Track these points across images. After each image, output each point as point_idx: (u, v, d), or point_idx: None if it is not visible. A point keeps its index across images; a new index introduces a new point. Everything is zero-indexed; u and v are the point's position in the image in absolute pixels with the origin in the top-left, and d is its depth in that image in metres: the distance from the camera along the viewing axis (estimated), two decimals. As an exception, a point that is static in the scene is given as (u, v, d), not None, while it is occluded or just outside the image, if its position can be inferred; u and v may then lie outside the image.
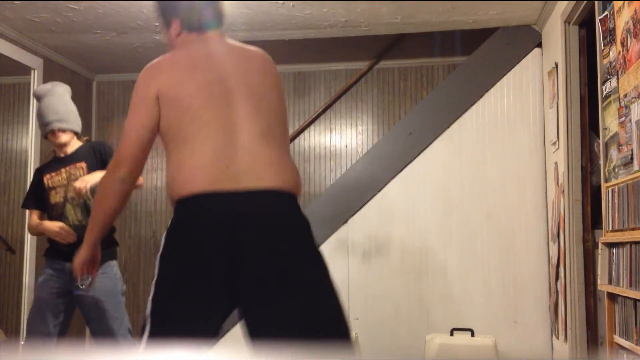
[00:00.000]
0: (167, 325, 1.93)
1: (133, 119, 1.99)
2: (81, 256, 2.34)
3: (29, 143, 4.62)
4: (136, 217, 5.50)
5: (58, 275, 3.33)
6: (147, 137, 1.99)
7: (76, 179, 3.28)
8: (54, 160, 3.50)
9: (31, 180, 3.67)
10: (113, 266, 3.40)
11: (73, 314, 3.44)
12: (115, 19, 4.17)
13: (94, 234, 2.24)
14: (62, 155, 3.46)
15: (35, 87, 4.62)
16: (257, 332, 1.93)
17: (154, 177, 5.50)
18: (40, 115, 3.42)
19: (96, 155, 3.42)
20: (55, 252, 3.37)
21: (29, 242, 4.49)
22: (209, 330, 1.94)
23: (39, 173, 3.49)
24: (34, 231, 3.49)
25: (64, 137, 3.41)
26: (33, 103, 4.62)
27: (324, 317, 1.91)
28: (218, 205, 1.87)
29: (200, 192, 1.87)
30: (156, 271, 1.94)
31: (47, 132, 3.40)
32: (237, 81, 2.01)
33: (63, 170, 3.39)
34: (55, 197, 3.38)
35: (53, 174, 3.42)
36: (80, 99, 5.36)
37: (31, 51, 4.60)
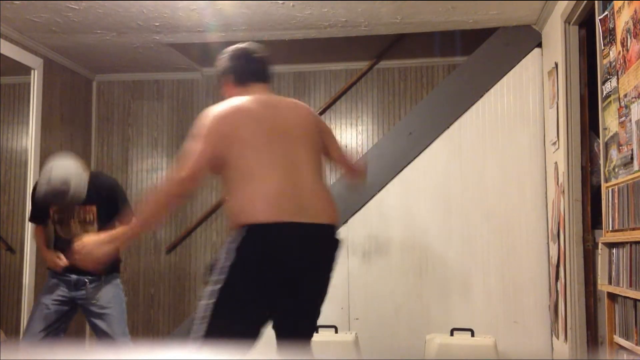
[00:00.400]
0: (228, 327, 2.22)
1: (203, 147, 2.33)
2: (104, 251, 2.37)
3: (29, 143, 4.62)
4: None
5: (64, 285, 3.39)
6: (207, 165, 2.34)
7: (87, 223, 3.31)
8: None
9: (33, 196, 3.54)
10: (117, 278, 3.49)
11: (70, 322, 3.50)
12: (115, 19, 4.17)
13: (131, 237, 2.43)
14: None
15: (35, 87, 4.62)
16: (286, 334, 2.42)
17: (154, 177, 5.50)
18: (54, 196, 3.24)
19: (104, 196, 3.36)
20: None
21: (29, 242, 4.49)
22: (258, 334, 2.31)
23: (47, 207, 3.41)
24: (36, 244, 3.54)
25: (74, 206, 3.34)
26: (33, 103, 4.63)
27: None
28: (290, 233, 2.27)
29: (275, 222, 2.26)
30: (222, 277, 2.23)
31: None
32: (292, 125, 2.42)
33: (73, 209, 3.33)
34: (61, 232, 3.40)
35: (59, 208, 3.36)
36: (80, 99, 5.36)
37: (31, 51, 4.59)
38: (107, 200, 3.36)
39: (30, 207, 3.61)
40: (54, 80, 4.88)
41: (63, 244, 3.31)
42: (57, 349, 3.31)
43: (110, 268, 3.35)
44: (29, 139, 4.62)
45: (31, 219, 3.61)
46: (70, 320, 3.48)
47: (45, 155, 4.70)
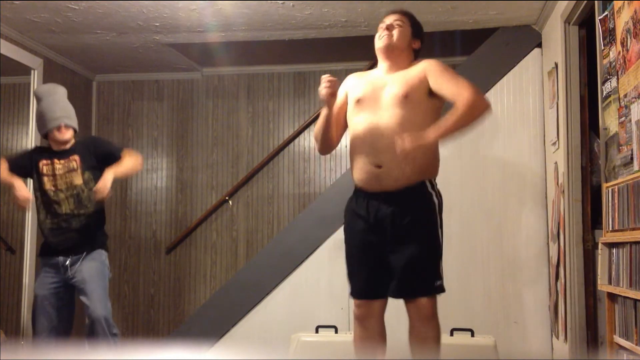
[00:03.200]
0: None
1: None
2: (420, 139, 2.52)
3: (29, 143, 4.62)
4: (136, 217, 5.50)
5: (54, 271, 3.48)
6: None
7: (70, 171, 3.48)
8: (49, 151, 3.60)
9: (23, 151, 3.85)
10: (102, 254, 3.55)
11: (75, 306, 3.57)
12: (115, 19, 4.17)
13: (444, 133, 2.60)
14: (56, 149, 3.58)
15: (35, 87, 4.62)
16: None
17: (154, 177, 5.50)
18: (45, 112, 3.51)
19: (90, 149, 3.58)
20: (48, 249, 3.52)
21: (29, 242, 4.49)
22: None
23: (35, 153, 3.63)
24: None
25: (68, 134, 3.55)
26: (33, 103, 4.62)
27: None
28: None
29: None
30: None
31: (54, 127, 3.49)
32: None
33: (57, 161, 3.51)
34: (48, 184, 3.50)
35: (48, 161, 3.53)
36: (80, 99, 5.36)
37: (31, 51, 4.59)
38: (89, 152, 3.56)
39: (16, 157, 3.71)
40: (54, 80, 4.87)
41: (45, 197, 3.48)
42: (57, 349, 3.31)
43: (93, 245, 3.50)
44: (29, 139, 4.62)
45: (12, 168, 3.57)
46: (73, 302, 3.55)
47: (45, 155, 4.71)
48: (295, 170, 5.38)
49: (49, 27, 4.30)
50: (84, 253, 3.47)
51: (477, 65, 4.44)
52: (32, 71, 4.63)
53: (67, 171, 3.49)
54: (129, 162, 3.56)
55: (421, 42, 2.92)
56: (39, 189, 3.51)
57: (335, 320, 4.19)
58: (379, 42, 2.89)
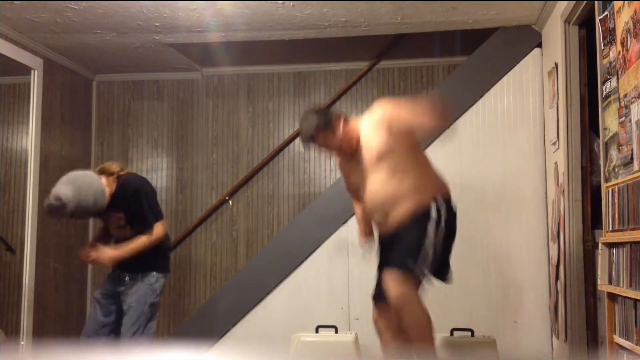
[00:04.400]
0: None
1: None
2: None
3: (29, 143, 4.62)
4: (136, 217, 5.50)
5: (110, 279, 3.54)
6: None
7: (120, 227, 3.45)
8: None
9: None
10: (153, 277, 3.50)
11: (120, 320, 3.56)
12: (115, 19, 4.17)
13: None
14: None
15: (35, 87, 4.62)
16: None
17: (154, 177, 5.50)
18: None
19: (129, 201, 3.40)
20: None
21: (29, 242, 4.49)
22: None
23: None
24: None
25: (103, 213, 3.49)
26: (33, 103, 4.62)
27: None
28: None
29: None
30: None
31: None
32: None
33: (107, 215, 3.48)
34: (114, 233, 3.58)
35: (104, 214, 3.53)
36: (80, 99, 5.36)
37: (31, 51, 4.59)
38: (132, 203, 3.40)
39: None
40: (54, 80, 4.88)
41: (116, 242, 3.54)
42: (57, 349, 3.32)
43: (148, 266, 3.47)
44: (29, 139, 4.62)
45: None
46: (120, 317, 3.51)
47: (45, 155, 4.71)
48: (295, 170, 5.38)
49: (49, 27, 4.30)
50: (139, 274, 3.47)
51: (477, 65, 4.44)
52: (32, 71, 4.63)
53: (118, 227, 3.47)
54: (145, 242, 3.41)
55: (332, 125, 3.00)
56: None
57: (335, 320, 4.20)
58: None
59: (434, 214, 2.91)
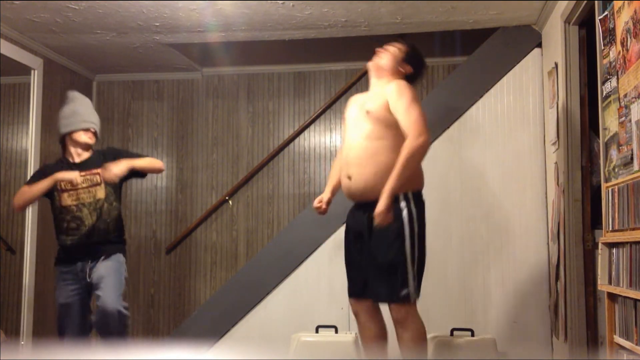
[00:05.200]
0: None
1: (421, 111, 2.90)
2: (382, 205, 2.78)
3: (29, 143, 4.62)
4: (136, 217, 5.50)
5: (73, 278, 3.47)
6: None
7: (94, 185, 3.45)
8: (65, 164, 3.54)
9: (35, 172, 3.74)
10: (119, 257, 3.54)
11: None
12: (115, 19, 4.17)
13: (396, 186, 2.81)
14: (77, 161, 3.54)
15: (35, 87, 4.62)
16: None
17: (154, 177, 5.50)
18: (77, 112, 3.53)
19: (109, 160, 3.50)
20: (63, 257, 3.52)
21: (29, 242, 4.49)
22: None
23: (50, 170, 3.53)
24: (25, 196, 3.50)
25: (92, 139, 3.57)
26: (33, 103, 4.63)
27: None
28: None
29: None
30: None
31: (82, 128, 3.50)
32: None
33: (78, 174, 3.46)
34: (67, 200, 3.45)
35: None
36: (80, 99, 5.36)
37: (31, 51, 4.59)
38: (109, 160, 3.50)
39: (33, 180, 3.61)
40: (54, 80, 4.88)
41: (65, 214, 3.44)
42: (57, 349, 3.32)
43: (111, 250, 3.49)
44: (29, 139, 4.62)
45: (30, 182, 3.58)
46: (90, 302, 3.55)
47: (45, 156, 4.71)
48: (295, 170, 5.38)
49: (49, 27, 4.30)
50: (102, 257, 3.46)
51: (477, 65, 4.44)
52: (32, 71, 4.63)
53: (91, 185, 3.45)
54: (147, 159, 3.60)
55: (415, 69, 3.16)
56: (59, 206, 3.47)
57: (335, 320, 4.20)
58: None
59: (405, 214, 2.92)
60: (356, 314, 3.11)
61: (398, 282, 2.87)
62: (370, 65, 3.22)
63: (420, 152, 2.87)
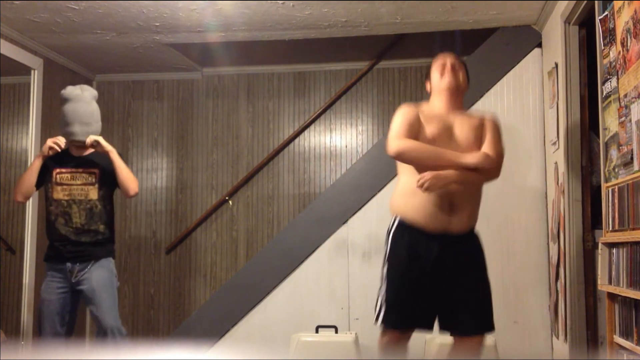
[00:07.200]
0: None
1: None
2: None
3: (29, 143, 4.62)
4: (136, 217, 5.50)
5: (61, 276, 3.45)
6: None
7: (88, 184, 3.45)
8: (67, 156, 3.55)
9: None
10: (110, 262, 3.54)
11: (78, 311, 3.57)
12: (115, 19, 4.17)
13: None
14: (76, 154, 3.55)
15: (35, 87, 4.62)
16: None
17: (154, 177, 5.50)
18: (64, 120, 3.49)
19: (106, 163, 3.51)
20: (54, 255, 3.50)
21: (29, 242, 4.49)
22: None
23: (51, 159, 3.53)
24: (21, 182, 3.51)
25: (87, 150, 3.56)
26: (33, 103, 4.63)
27: None
28: None
29: None
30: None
31: (74, 140, 3.49)
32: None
33: (75, 170, 3.48)
34: (60, 194, 3.46)
35: (64, 170, 3.49)
36: (80, 99, 5.36)
37: (31, 51, 4.60)
38: (109, 166, 3.50)
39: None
40: (54, 80, 4.88)
41: (55, 207, 3.45)
42: (57, 349, 3.31)
43: (101, 253, 3.48)
44: (29, 139, 4.62)
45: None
46: (77, 308, 3.54)
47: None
48: (295, 170, 5.38)
49: (49, 27, 4.30)
50: (92, 261, 3.46)
51: (477, 65, 4.43)
52: (32, 71, 4.63)
53: (85, 183, 3.46)
54: (130, 174, 3.54)
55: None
56: (51, 197, 3.48)
57: (335, 320, 4.19)
58: (444, 81, 2.96)
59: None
60: (391, 344, 2.95)
61: (491, 311, 3.01)
62: (452, 87, 2.97)
63: (488, 176, 2.93)
